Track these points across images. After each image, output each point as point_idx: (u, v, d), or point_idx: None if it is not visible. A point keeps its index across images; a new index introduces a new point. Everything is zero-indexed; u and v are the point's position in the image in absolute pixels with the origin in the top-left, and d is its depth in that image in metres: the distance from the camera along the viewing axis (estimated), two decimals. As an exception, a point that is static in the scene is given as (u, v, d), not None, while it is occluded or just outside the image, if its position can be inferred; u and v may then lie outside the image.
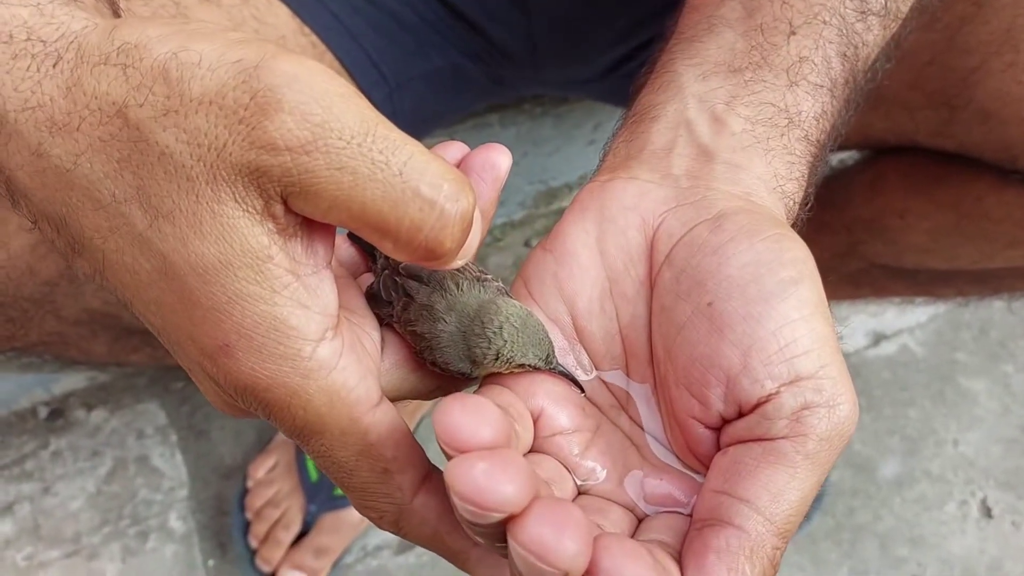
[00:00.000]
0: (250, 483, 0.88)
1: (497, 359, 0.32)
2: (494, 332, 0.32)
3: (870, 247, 0.68)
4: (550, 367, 0.33)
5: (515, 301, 0.33)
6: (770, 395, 0.29)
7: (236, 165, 0.25)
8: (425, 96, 0.68)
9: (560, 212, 0.42)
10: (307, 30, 0.57)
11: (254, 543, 0.85)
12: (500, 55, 0.69)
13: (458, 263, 0.29)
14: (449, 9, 0.65)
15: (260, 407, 0.29)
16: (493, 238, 1.08)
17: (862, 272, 0.71)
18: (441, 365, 0.33)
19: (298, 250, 0.27)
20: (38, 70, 0.26)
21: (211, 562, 0.88)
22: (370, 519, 0.32)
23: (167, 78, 0.25)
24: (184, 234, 0.26)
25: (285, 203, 0.26)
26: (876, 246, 0.67)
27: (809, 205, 0.39)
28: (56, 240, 0.28)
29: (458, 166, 0.34)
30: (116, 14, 0.36)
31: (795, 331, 0.30)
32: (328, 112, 0.25)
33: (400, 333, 0.34)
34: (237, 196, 0.25)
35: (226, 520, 0.89)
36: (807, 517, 0.90)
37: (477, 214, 0.29)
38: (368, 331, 0.33)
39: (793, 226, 0.37)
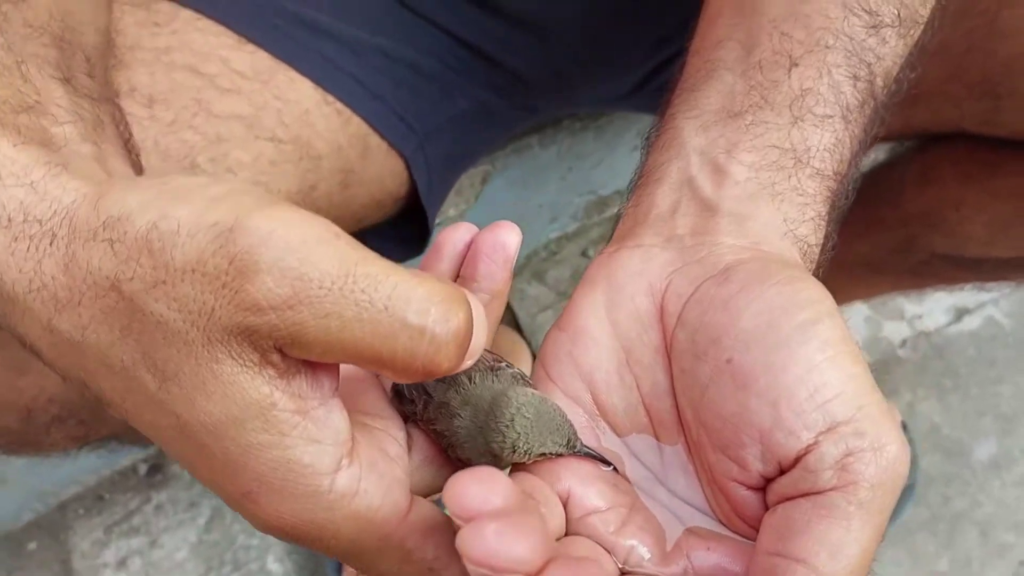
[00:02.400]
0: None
1: (515, 451, 0.32)
2: (507, 425, 0.32)
3: (928, 240, 0.65)
4: (573, 451, 0.33)
5: (529, 389, 0.33)
6: (809, 446, 0.28)
7: (227, 327, 0.25)
8: (456, 138, 0.68)
9: (612, 219, 0.42)
10: (330, 98, 0.58)
11: (348, 579, 0.88)
12: (524, 86, 0.69)
13: (467, 365, 0.29)
14: (468, 49, 0.66)
15: (294, 541, 0.30)
16: (550, 252, 1.08)
17: (924, 264, 0.68)
18: (465, 461, 0.33)
19: (303, 386, 0.28)
20: (37, 250, 0.27)
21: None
22: None
23: (151, 250, 0.25)
24: (190, 395, 0.26)
25: (281, 352, 0.27)
26: (934, 239, 0.64)
27: (832, 244, 0.37)
28: (85, 393, 0.30)
29: (468, 248, 0.35)
30: (127, 149, 0.38)
31: (823, 375, 0.29)
32: (305, 263, 0.25)
33: (425, 430, 0.34)
34: (233, 354, 0.26)
35: (321, 559, 0.92)
36: (897, 511, 0.87)
37: (479, 313, 0.29)
38: (393, 433, 0.33)
39: (817, 269, 0.36)
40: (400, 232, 0.70)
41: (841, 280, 0.78)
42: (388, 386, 0.36)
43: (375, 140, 0.61)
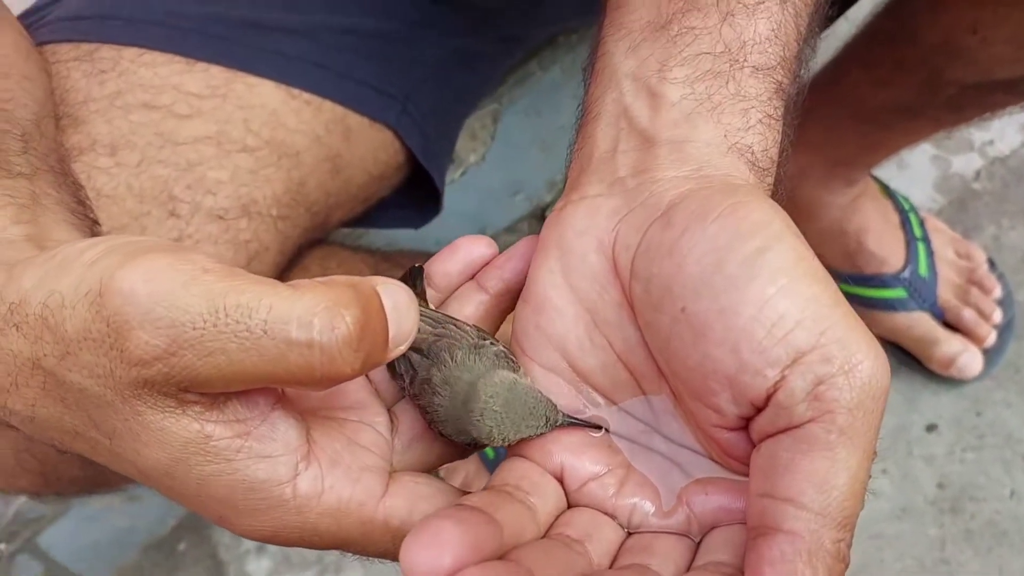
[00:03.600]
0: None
1: (492, 440, 0.32)
2: (478, 419, 0.32)
3: (953, 71, 0.59)
4: (556, 426, 0.33)
5: (501, 374, 0.33)
6: (776, 384, 0.27)
7: (130, 384, 0.26)
8: (440, 91, 0.67)
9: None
10: (295, 92, 0.58)
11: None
12: (494, 19, 0.67)
13: (397, 353, 0.29)
14: (427, 0, 0.64)
15: (284, 544, 0.31)
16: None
17: (958, 96, 0.62)
18: (447, 437, 0.34)
19: (238, 409, 0.28)
20: None
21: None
22: None
23: (48, 326, 0.26)
24: (133, 447, 0.28)
25: (192, 391, 0.27)
26: (958, 69, 0.58)
27: (790, 140, 0.35)
28: (69, 453, 0.32)
29: (484, 262, 0.37)
30: (78, 210, 0.39)
31: (777, 307, 0.28)
32: (172, 309, 0.25)
33: (415, 406, 0.35)
34: (150, 405, 0.27)
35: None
36: (999, 348, 0.82)
37: (399, 300, 0.28)
38: (369, 420, 0.34)
39: (778, 169, 0.34)
40: (416, 196, 0.71)
41: (879, 133, 0.73)
42: (373, 374, 0.37)
43: (354, 119, 0.61)
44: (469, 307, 0.37)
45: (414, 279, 0.38)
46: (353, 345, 0.26)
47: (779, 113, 0.34)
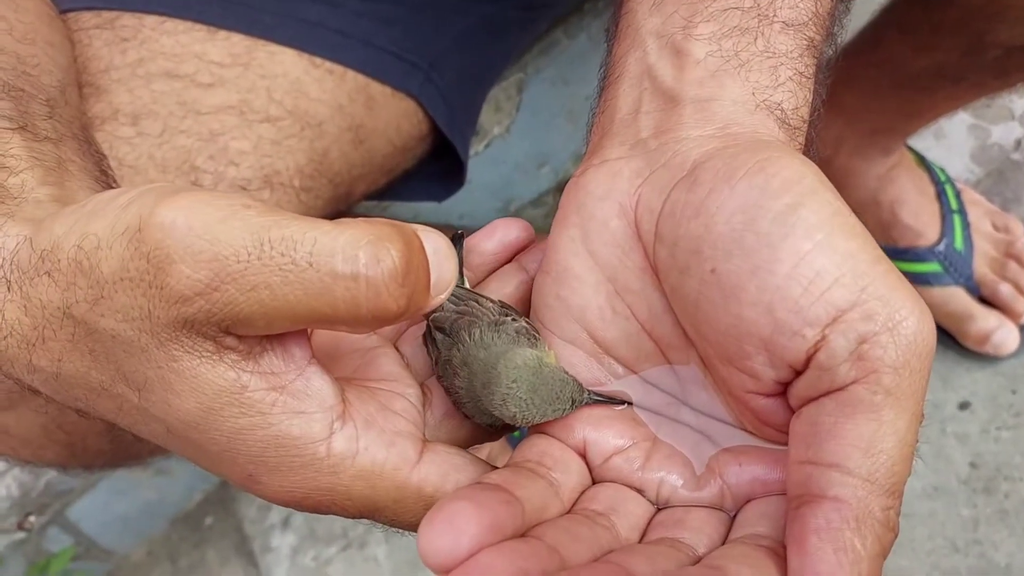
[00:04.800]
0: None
1: (515, 423, 0.31)
2: (500, 403, 0.31)
3: (996, 34, 0.57)
4: (581, 405, 0.32)
5: (524, 353, 0.32)
6: (816, 344, 0.26)
7: (168, 324, 0.26)
8: (465, 60, 0.66)
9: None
10: (318, 60, 0.57)
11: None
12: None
13: (437, 301, 0.28)
14: (452, -36, 0.62)
15: (313, 510, 0.31)
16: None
17: (1003, 59, 0.60)
18: (470, 418, 0.33)
19: (274, 362, 0.28)
20: None
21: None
22: None
23: (82, 270, 0.26)
24: (164, 398, 0.27)
25: (234, 334, 0.27)
26: (1002, 31, 0.56)
27: (822, 99, 0.33)
28: (90, 419, 0.31)
29: (521, 244, 0.37)
30: (102, 177, 0.39)
31: (814, 263, 0.26)
32: (215, 242, 0.25)
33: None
34: (187, 349, 0.26)
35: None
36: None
37: (438, 245, 0.28)
38: (401, 391, 0.33)
39: (809, 129, 0.33)
40: (440, 168, 0.70)
41: (920, 99, 0.71)
42: (405, 351, 0.36)
43: (377, 88, 0.60)
44: (509, 287, 0.37)
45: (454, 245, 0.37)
46: (399, 280, 0.26)
47: (811, 71, 0.32)
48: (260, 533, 1.01)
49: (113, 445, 0.52)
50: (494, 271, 0.38)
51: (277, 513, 1.02)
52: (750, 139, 0.30)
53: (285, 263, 0.25)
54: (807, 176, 0.28)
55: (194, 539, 1.04)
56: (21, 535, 0.95)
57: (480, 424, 0.33)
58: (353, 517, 0.31)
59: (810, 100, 0.32)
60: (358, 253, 0.25)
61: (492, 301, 0.34)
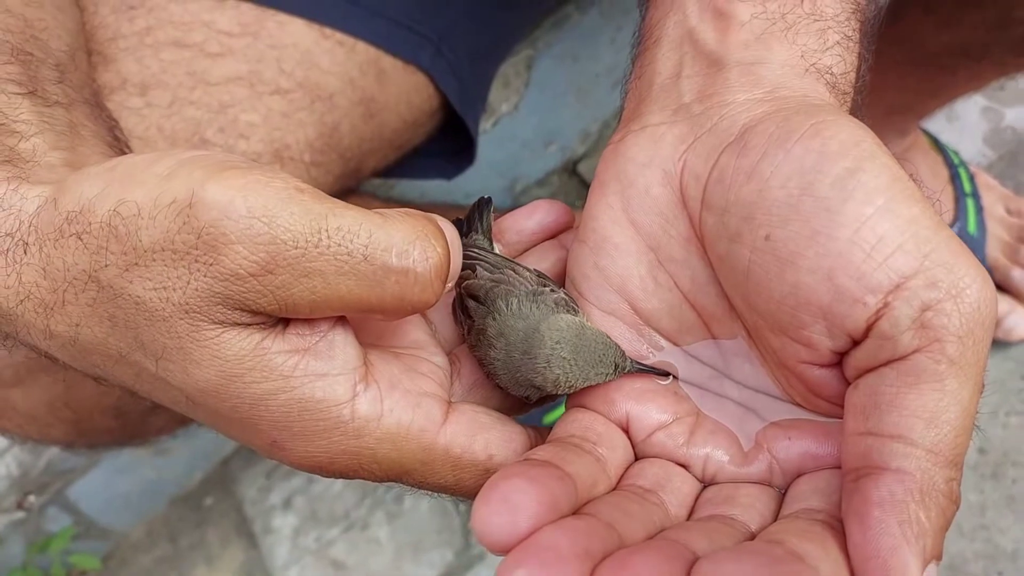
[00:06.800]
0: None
1: (557, 388, 0.30)
2: (544, 366, 0.30)
3: (1025, 10, 0.55)
4: (624, 372, 0.31)
5: (566, 317, 0.31)
6: (879, 311, 0.25)
7: (206, 295, 0.25)
8: (476, 33, 0.64)
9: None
10: (328, 31, 0.55)
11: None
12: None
13: (447, 288, 0.29)
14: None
15: (339, 475, 0.30)
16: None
17: (1028, 38, 0.59)
18: (504, 388, 0.32)
19: (298, 326, 0.28)
20: (15, 262, 0.27)
21: (462, 507, 0.96)
22: None
23: (117, 235, 0.25)
24: (183, 367, 0.27)
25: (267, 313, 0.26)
26: (1032, 7, 0.55)
27: (867, 65, 0.32)
28: (107, 386, 0.30)
29: (561, 226, 0.37)
30: (115, 143, 0.37)
31: (876, 228, 0.25)
32: (274, 226, 0.25)
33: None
34: (215, 319, 0.26)
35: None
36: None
37: (454, 237, 0.29)
38: (428, 357, 0.32)
39: (856, 95, 0.32)
40: (449, 145, 0.68)
41: (940, 78, 0.69)
42: (434, 318, 0.35)
43: (388, 61, 0.58)
44: (546, 263, 0.36)
45: (481, 211, 0.36)
46: (442, 275, 0.27)
47: (857, 36, 0.31)
48: (261, 514, 1.01)
49: (120, 423, 0.51)
50: (529, 250, 0.37)
51: (278, 494, 1.01)
52: (800, 103, 0.29)
53: (341, 253, 0.25)
54: (865, 140, 0.27)
55: (194, 519, 1.03)
56: (20, 515, 0.94)
57: (514, 395, 0.33)
58: (380, 481, 0.30)
59: (856, 65, 0.31)
60: (411, 249, 0.26)
61: (529, 270, 0.33)
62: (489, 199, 0.37)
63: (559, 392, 0.31)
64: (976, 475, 0.80)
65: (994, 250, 0.80)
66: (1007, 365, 0.82)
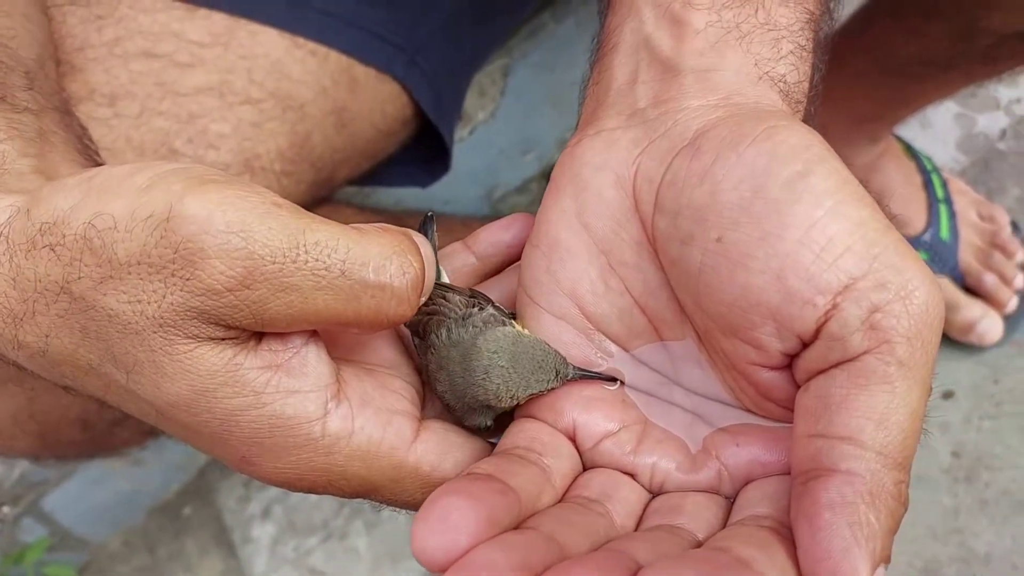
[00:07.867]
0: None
1: (501, 400, 0.30)
2: (483, 378, 0.30)
3: (990, 20, 0.56)
4: (566, 379, 0.31)
5: (501, 329, 0.31)
6: (828, 312, 0.25)
7: (181, 310, 0.25)
8: (452, 43, 0.65)
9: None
10: (300, 41, 0.55)
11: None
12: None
13: (421, 302, 0.29)
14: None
15: (308, 490, 0.30)
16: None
17: (994, 47, 0.60)
18: (459, 421, 0.32)
19: (271, 342, 0.28)
20: None
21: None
22: None
23: (92, 248, 0.25)
24: (154, 381, 0.27)
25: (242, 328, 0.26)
26: (995, 17, 0.56)
27: (820, 75, 0.33)
28: (77, 395, 0.30)
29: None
30: (85, 151, 0.37)
31: (825, 230, 0.25)
32: (251, 241, 0.25)
33: None
34: (189, 333, 0.26)
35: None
36: (1021, 314, 0.80)
37: (428, 251, 0.29)
38: (401, 374, 0.32)
39: (808, 105, 0.32)
40: (424, 154, 0.68)
41: (908, 86, 0.70)
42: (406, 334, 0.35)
43: (361, 70, 0.58)
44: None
45: (425, 230, 0.36)
46: (418, 288, 0.28)
47: (811, 46, 0.32)
48: (240, 524, 1.00)
49: (86, 435, 0.51)
50: (506, 264, 0.37)
51: (257, 504, 1.01)
52: (754, 109, 0.29)
53: (319, 268, 0.26)
54: (815, 144, 0.27)
55: (172, 529, 1.02)
56: (-6, 526, 0.93)
57: (473, 428, 0.32)
58: (349, 497, 0.30)
59: (810, 75, 0.32)
60: (388, 264, 0.27)
61: (460, 293, 0.33)
62: (432, 216, 0.37)
63: (503, 405, 0.31)
64: (950, 479, 0.81)
65: (967, 255, 0.81)
66: (980, 370, 0.83)
